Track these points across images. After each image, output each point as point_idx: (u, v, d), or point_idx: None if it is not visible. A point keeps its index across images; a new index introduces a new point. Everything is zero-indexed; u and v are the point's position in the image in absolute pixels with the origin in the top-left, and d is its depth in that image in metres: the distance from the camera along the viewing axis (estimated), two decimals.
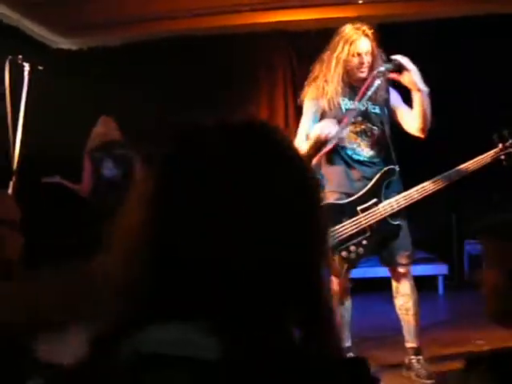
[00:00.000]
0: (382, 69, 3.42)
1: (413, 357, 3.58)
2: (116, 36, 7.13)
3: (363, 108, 3.56)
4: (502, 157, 3.62)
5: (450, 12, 6.64)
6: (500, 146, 3.62)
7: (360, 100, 3.46)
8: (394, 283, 3.68)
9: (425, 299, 5.65)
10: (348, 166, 3.62)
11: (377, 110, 3.63)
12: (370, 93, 3.41)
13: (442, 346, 4.11)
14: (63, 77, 6.56)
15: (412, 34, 6.61)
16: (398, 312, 3.68)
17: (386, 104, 3.67)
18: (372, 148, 3.63)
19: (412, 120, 3.59)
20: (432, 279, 5.93)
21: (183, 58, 7.06)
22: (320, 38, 7.26)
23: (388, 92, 3.68)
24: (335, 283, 3.57)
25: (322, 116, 3.62)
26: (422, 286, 5.83)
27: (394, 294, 3.69)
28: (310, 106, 3.67)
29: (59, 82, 6.41)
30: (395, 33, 6.74)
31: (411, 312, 3.61)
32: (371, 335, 4.35)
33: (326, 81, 3.59)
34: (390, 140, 3.66)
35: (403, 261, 3.61)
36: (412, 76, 3.43)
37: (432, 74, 6.29)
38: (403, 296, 3.63)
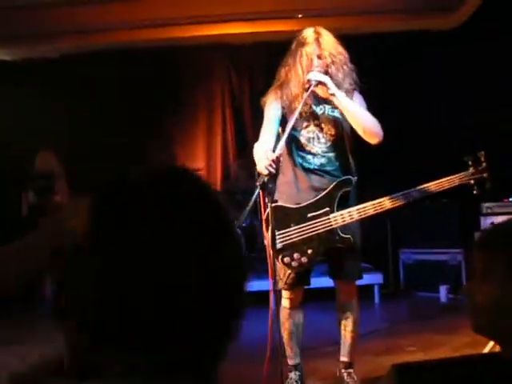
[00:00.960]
0: (310, 76, 3.26)
1: (343, 370, 3.55)
2: (52, 47, 7.01)
3: (320, 112, 3.42)
4: (472, 181, 3.46)
5: (386, 27, 6.82)
6: (471, 169, 3.47)
7: (309, 105, 3.37)
8: (338, 296, 3.57)
9: (361, 308, 5.80)
10: (296, 176, 3.44)
11: (336, 114, 3.42)
12: (305, 96, 3.25)
13: (375, 354, 4.19)
14: None
15: (351, 48, 6.77)
16: (338, 324, 3.59)
17: None
18: (324, 155, 3.41)
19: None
20: (368, 288, 6.03)
21: (121, 69, 7.00)
22: (257, 51, 7.40)
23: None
24: (285, 296, 3.47)
25: (283, 118, 3.43)
26: (359, 295, 5.98)
27: (337, 307, 3.59)
28: (271, 108, 3.44)
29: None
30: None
31: (349, 329, 3.52)
32: (310, 346, 4.39)
33: (287, 84, 3.44)
34: (350, 147, 3.48)
35: (350, 278, 3.49)
36: (326, 87, 3.28)
37: (378, 89, 6.52)
38: (344, 312, 3.53)
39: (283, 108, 3.43)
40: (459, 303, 6.04)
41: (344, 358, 3.57)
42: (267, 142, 3.37)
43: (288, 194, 3.43)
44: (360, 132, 3.35)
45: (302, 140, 3.41)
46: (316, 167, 3.41)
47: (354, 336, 3.53)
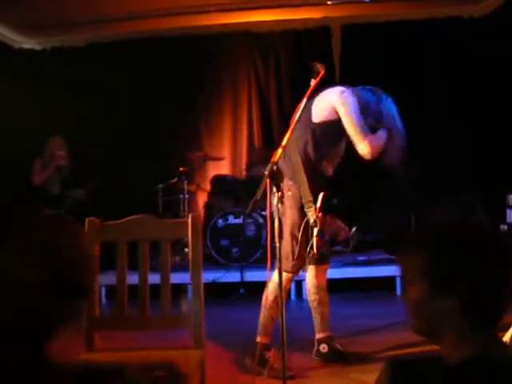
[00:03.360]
0: None
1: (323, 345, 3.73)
2: (80, 36, 7.08)
3: None
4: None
5: (415, 14, 6.71)
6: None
7: None
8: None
9: (383, 300, 5.76)
10: None
11: None
12: None
13: (397, 346, 4.14)
14: (25, 77, 6.57)
15: (377, 35, 6.69)
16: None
17: None
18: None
19: None
20: (391, 280, 5.97)
21: (149, 58, 7.04)
22: (284, 39, 7.35)
23: None
24: (286, 280, 3.61)
25: None
26: (381, 286, 5.93)
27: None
28: None
29: (21, 82, 6.44)
30: (360, 34, 6.85)
31: (319, 310, 3.78)
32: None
33: None
34: None
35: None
36: None
37: (396, 74, 6.42)
38: (313, 293, 3.76)
39: None
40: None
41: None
42: None
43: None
44: None
45: None
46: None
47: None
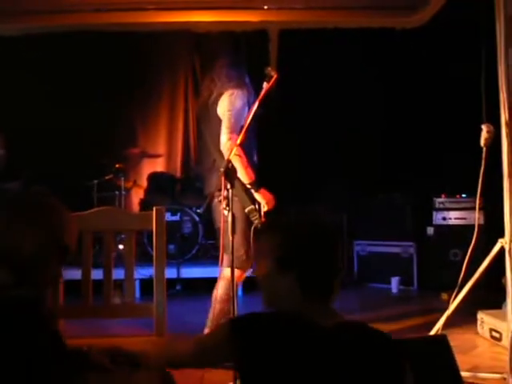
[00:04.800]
0: None
1: None
2: (13, 26, 6.91)
3: None
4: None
5: (348, 22, 6.93)
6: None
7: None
8: None
9: None
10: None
11: None
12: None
13: None
14: None
15: (313, 42, 6.89)
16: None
17: None
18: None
19: None
20: None
21: (86, 52, 6.95)
22: (223, 41, 7.44)
23: None
24: (238, 276, 3.69)
25: None
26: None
27: None
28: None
29: None
30: (296, 39, 7.03)
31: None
32: None
33: None
34: None
35: None
36: None
37: (328, 80, 6.64)
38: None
39: None
40: (410, 294, 6.25)
41: None
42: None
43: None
44: None
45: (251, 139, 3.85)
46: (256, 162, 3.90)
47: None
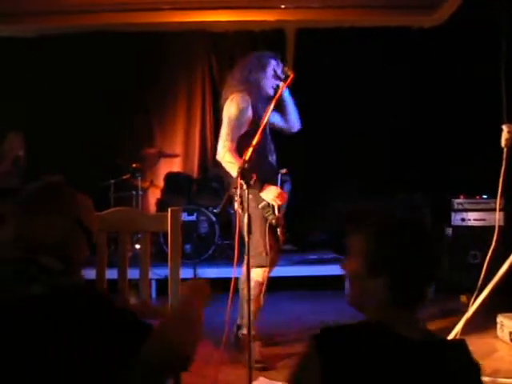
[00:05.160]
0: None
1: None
2: (31, 27, 6.96)
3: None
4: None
5: (365, 21, 6.91)
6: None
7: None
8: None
9: (333, 297, 5.91)
10: (272, 170, 3.85)
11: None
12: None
13: None
14: None
15: (329, 40, 6.86)
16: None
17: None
18: (275, 154, 3.94)
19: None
20: (340, 278, 6.12)
21: (102, 52, 6.99)
22: (240, 40, 7.43)
23: None
24: (264, 274, 3.74)
25: None
26: (331, 284, 6.09)
27: None
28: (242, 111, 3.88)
29: None
30: (313, 38, 7.01)
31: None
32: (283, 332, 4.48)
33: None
34: None
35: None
36: None
37: (346, 79, 6.59)
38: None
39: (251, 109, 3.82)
40: (428, 296, 6.17)
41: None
42: (232, 148, 3.83)
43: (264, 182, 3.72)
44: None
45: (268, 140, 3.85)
46: (273, 161, 3.91)
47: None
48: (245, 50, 7.41)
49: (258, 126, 3.64)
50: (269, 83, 3.82)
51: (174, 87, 7.51)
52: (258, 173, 3.44)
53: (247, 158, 3.19)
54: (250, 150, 3.24)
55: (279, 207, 3.67)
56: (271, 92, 3.82)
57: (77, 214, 1.77)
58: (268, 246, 3.69)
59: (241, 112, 3.78)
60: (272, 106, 3.50)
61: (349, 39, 6.87)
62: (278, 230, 3.68)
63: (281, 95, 3.70)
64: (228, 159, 3.72)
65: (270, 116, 3.63)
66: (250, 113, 3.79)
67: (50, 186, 1.83)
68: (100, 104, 6.94)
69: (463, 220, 6.12)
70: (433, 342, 1.54)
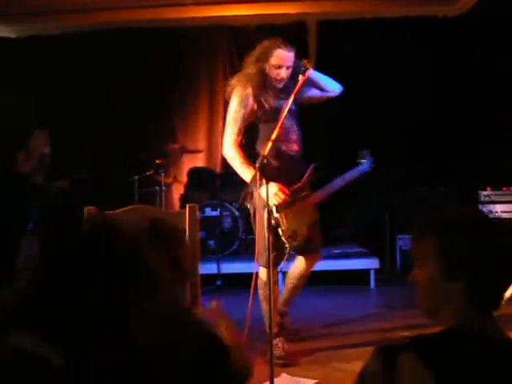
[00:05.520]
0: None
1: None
2: (56, 25, 7.01)
3: (284, 105, 3.59)
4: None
5: (387, 12, 6.82)
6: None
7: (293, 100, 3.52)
8: (298, 268, 3.94)
9: (357, 292, 5.88)
10: (284, 161, 3.71)
11: (294, 107, 3.71)
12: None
13: (370, 337, 4.25)
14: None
15: (350, 32, 6.79)
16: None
17: (299, 101, 3.81)
18: (297, 142, 3.79)
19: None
20: (364, 273, 6.09)
21: (125, 49, 7.01)
22: (261, 34, 7.38)
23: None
24: (264, 274, 3.63)
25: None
26: (355, 279, 6.05)
27: (289, 276, 4.01)
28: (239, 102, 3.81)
29: None
30: (334, 30, 6.94)
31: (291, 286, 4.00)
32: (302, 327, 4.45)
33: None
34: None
35: (318, 251, 4.02)
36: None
37: (367, 70, 6.52)
38: (300, 279, 3.93)
39: (253, 99, 3.75)
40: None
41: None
42: (233, 138, 3.78)
43: (278, 178, 3.60)
44: (337, 89, 4.02)
45: (283, 131, 3.58)
46: (295, 154, 3.77)
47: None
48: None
49: (268, 117, 3.64)
50: (273, 72, 3.71)
51: (196, 82, 7.51)
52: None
53: (266, 153, 3.15)
54: (269, 144, 3.21)
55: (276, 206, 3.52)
56: (278, 84, 3.73)
57: (175, 255, 1.79)
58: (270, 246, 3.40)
59: (239, 104, 3.73)
60: (291, 100, 3.43)
61: (371, 30, 6.78)
62: (280, 230, 3.55)
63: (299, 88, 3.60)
64: (228, 153, 3.70)
65: (305, 92, 3.70)
66: (250, 104, 3.72)
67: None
68: (123, 101, 6.97)
69: (490, 212, 6.02)
70: None
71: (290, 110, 3.51)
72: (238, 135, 3.73)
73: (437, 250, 1.47)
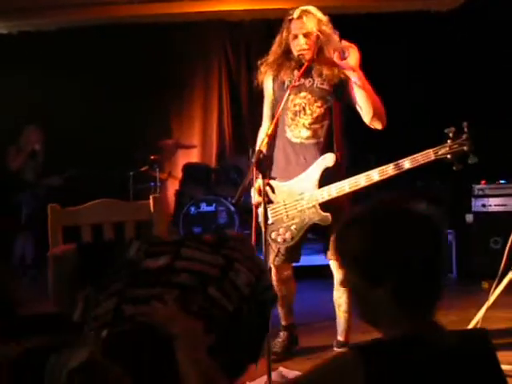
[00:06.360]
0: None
1: (336, 349, 3.58)
2: (49, 20, 6.99)
3: (308, 84, 3.43)
4: (449, 156, 3.32)
5: (381, 7, 6.83)
6: (449, 142, 3.34)
7: (299, 79, 3.35)
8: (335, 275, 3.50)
9: None
10: (288, 149, 3.49)
11: (325, 86, 3.42)
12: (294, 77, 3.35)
13: (365, 331, 4.25)
14: None
15: (343, 27, 6.78)
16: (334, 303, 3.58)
17: (342, 83, 3.41)
18: (309, 127, 3.42)
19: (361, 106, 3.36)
20: None
21: (119, 44, 7.00)
22: (255, 28, 7.39)
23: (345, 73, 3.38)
24: (273, 271, 3.50)
25: (274, 93, 3.53)
26: None
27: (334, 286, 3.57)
28: (264, 88, 3.56)
29: None
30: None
31: (342, 308, 3.51)
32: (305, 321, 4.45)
33: (276, 60, 3.50)
34: (340, 123, 3.46)
35: (333, 255, 3.36)
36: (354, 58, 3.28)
37: (375, 68, 6.52)
38: (337, 290, 3.52)
39: (274, 83, 3.51)
40: (449, 282, 6.13)
41: (339, 337, 3.62)
42: (264, 128, 3.56)
43: (282, 168, 3.51)
44: (367, 117, 3.39)
45: (290, 114, 3.46)
46: (303, 140, 3.44)
47: (346, 316, 3.53)
48: (261, 39, 7.40)
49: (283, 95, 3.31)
50: (293, 45, 3.42)
51: (191, 77, 7.50)
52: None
53: (262, 148, 3.10)
54: (265, 139, 3.17)
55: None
56: (302, 57, 3.41)
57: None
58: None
59: (264, 93, 3.60)
60: (286, 95, 3.34)
61: (364, 25, 6.79)
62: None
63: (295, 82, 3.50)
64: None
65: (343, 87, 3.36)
66: (270, 86, 3.56)
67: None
68: (117, 97, 6.96)
69: (484, 206, 6.05)
70: (460, 342, 1.37)
71: (312, 88, 3.39)
72: (265, 121, 3.60)
73: (356, 257, 1.36)
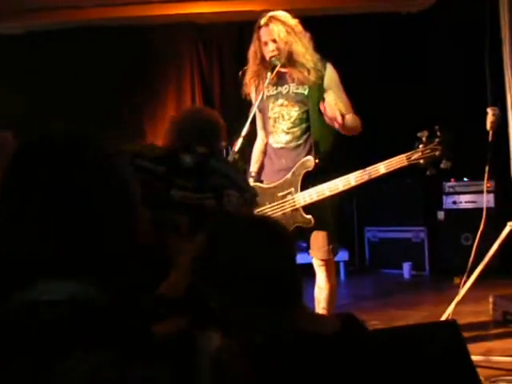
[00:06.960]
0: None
1: None
2: (19, 24, 6.93)
3: (285, 91, 3.52)
4: (421, 161, 3.31)
5: (351, 8, 6.90)
6: (421, 147, 3.34)
7: (273, 85, 3.48)
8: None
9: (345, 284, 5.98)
10: (271, 154, 3.59)
11: (300, 90, 3.48)
12: (268, 77, 3.38)
13: None
14: None
15: (313, 29, 6.83)
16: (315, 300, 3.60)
17: (317, 87, 3.48)
18: (288, 131, 3.48)
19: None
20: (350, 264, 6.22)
21: (90, 47, 6.97)
22: (227, 31, 7.41)
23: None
24: None
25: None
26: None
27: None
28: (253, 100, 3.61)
29: None
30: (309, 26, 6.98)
31: (321, 305, 3.51)
32: None
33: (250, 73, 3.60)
34: (320, 124, 3.46)
35: (318, 255, 3.46)
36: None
37: (346, 69, 6.59)
38: (318, 287, 3.52)
39: (257, 95, 3.53)
40: (422, 279, 6.24)
41: None
42: (258, 138, 3.71)
43: (267, 173, 3.61)
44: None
45: (271, 122, 3.55)
46: (283, 145, 3.51)
47: (325, 313, 3.53)
48: (232, 41, 7.44)
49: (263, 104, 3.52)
50: (265, 52, 3.48)
51: (163, 81, 7.48)
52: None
53: (236, 148, 3.16)
54: (240, 140, 3.22)
55: None
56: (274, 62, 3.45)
57: None
58: None
59: (250, 99, 3.66)
60: (258, 101, 3.40)
61: (334, 26, 6.86)
62: None
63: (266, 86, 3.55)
64: None
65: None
66: (254, 98, 3.61)
67: None
68: (88, 101, 6.92)
69: (455, 203, 6.17)
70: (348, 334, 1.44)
71: (288, 94, 3.48)
72: (260, 133, 3.72)
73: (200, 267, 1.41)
